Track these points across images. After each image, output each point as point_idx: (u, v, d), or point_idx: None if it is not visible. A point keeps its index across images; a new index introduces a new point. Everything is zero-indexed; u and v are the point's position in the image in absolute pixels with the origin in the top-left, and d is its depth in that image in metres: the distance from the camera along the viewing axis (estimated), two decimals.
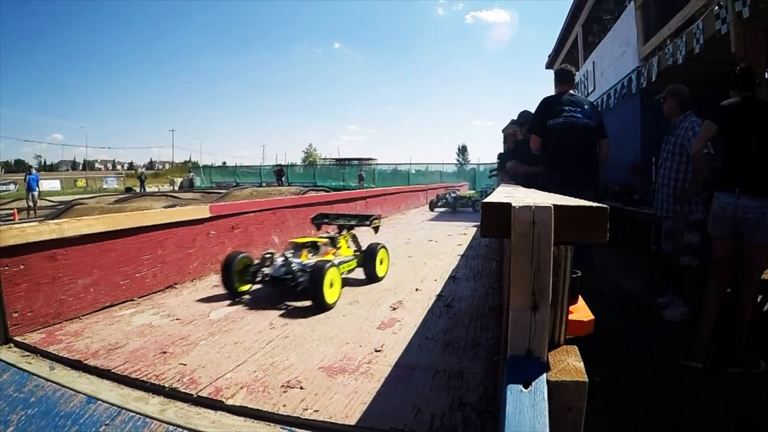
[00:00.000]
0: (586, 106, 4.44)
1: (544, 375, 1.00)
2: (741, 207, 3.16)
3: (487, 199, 1.22)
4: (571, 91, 4.64)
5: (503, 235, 1.06)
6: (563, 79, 4.65)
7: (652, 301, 4.85)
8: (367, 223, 3.54)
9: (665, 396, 3.02)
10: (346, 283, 3.01)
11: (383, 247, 3.27)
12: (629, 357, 3.58)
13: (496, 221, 1.07)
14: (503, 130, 8.07)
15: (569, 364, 1.07)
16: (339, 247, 3.21)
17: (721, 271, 3.33)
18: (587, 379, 1.03)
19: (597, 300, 1.44)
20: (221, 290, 2.95)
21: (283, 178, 31.96)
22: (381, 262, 3.22)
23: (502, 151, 10.10)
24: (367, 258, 3.15)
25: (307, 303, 2.61)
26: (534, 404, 0.93)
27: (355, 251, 3.33)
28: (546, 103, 4.50)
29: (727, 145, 3.39)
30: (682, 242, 4.29)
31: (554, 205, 1.03)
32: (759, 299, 4.10)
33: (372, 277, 3.16)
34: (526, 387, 0.97)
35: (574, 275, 1.15)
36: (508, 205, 1.05)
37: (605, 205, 1.08)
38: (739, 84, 3.45)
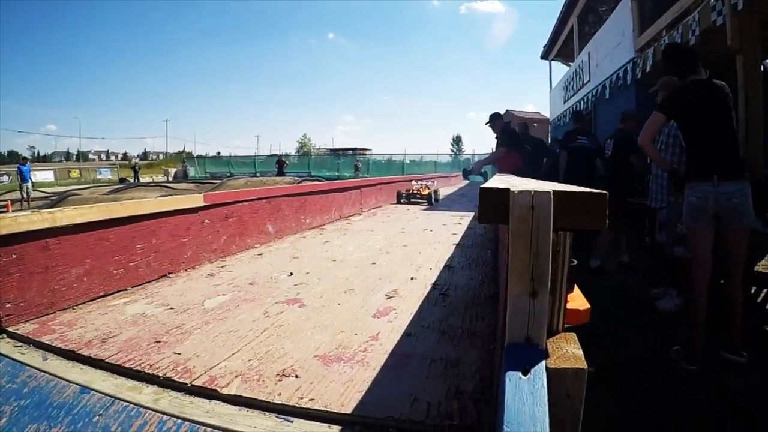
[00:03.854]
0: (588, 137, 6.98)
1: (543, 362, 0.99)
2: (724, 194, 3.08)
3: (485, 185, 1.21)
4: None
5: (501, 221, 1.05)
6: (578, 119, 7.49)
7: (647, 292, 4.87)
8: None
9: (661, 388, 3.02)
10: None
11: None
12: (624, 348, 3.59)
13: (494, 207, 1.06)
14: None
15: (568, 351, 1.06)
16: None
17: (705, 265, 3.25)
18: (587, 367, 1.02)
19: (591, 290, 1.43)
20: (215, 279, 2.94)
21: (284, 169, 31.86)
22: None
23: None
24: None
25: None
26: (533, 391, 0.92)
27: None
28: (569, 132, 7.07)
29: (690, 135, 3.30)
30: (676, 233, 4.29)
31: (553, 191, 1.02)
32: (753, 291, 4.12)
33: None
34: (524, 374, 0.96)
35: (572, 263, 1.14)
36: (507, 190, 1.03)
37: (604, 192, 1.07)
38: (684, 68, 3.37)
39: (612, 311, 4.36)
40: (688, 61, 3.36)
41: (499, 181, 1.79)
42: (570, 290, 1.24)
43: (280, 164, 32.85)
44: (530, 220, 1.01)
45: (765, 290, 4.23)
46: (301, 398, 1.44)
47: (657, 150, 3.83)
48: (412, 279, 2.96)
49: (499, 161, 7.51)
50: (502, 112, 7.85)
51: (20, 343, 1.95)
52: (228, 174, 36.16)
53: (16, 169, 20.12)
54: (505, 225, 1.07)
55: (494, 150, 7.85)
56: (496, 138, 7.70)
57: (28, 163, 19.95)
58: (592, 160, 6.69)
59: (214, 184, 25.04)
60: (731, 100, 3.24)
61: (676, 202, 4.24)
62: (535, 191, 1.01)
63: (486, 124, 7.67)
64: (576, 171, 6.39)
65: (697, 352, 3.24)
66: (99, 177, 43.06)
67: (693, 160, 3.28)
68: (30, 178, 18.94)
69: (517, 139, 7.73)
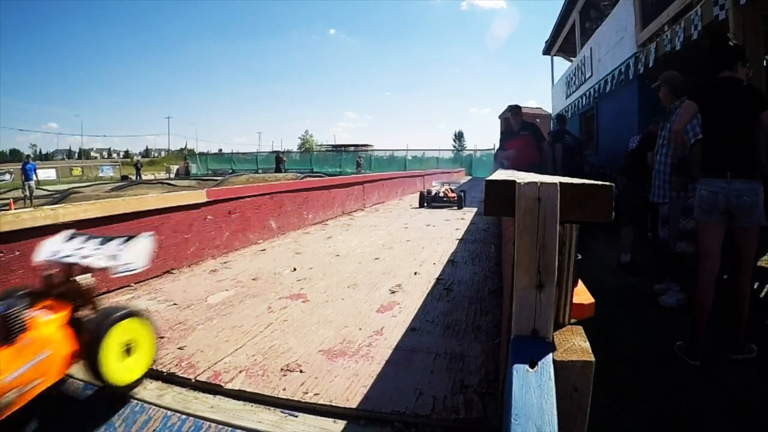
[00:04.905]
0: (571, 137, 8.41)
1: (550, 355, 0.98)
2: (734, 190, 3.09)
3: (491, 177, 1.20)
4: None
5: (507, 213, 1.04)
6: (562, 122, 9.08)
7: (649, 287, 4.85)
8: None
9: (661, 383, 3.01)
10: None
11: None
12: (626, 343, 3.57)
13: (500, 199, 1.05)
14: (500, 116, 8.46)
15: (575, 344, 1.05)
16: None
17: (713, 260, 3.24)
18: (594, 359, 1.01)
19: (594, 286, 1.43)
20: (219, 275, 2.94)
21: (281, 166, 31.80)
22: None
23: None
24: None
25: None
26: (540, 384, 0.91)
27: None
28: (558, 131, 8.42)
29: (709, 129, 3.30)
30: (677, 228, 4.28)
31: (560, 183, 1.01)
32: (755, 286, 4.10)
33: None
34: (532, 367, 0.95)
35: (577, 257, 1.13)
36: (513, 182, 1.03)
37: (610, 184, 1.06)
38: (725, 61, 3.34)
39: (614, 306, 4.34)
40: (725, 54, 3.33)
41: (503, 174, 1.78)
42: (574, 284, 1.23)
43: (278, 160, 32.76)
44: (537, 211, 1.00)
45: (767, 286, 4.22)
46: (306, 393, 1.44)
47: (683, 141, 3.82)
48: (415, 274, 2.96)
49: (521, 153, 7.44)
50: (504, 108, 7.96)
51: None
52: (230, 171, 36.13)
53: (21, 166, 20.08)
54: (511, 217, 1.06)
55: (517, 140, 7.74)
56: (517, 130, 7.62)
57: (31, 160, 19.97)
58: (575, 156, 8.26)
59: (216, 180, 25.04)
60: (759, 101, 3.22)
61: (678, 197, 4.23)
62: (541, 183, 1.01)
63: (509, 112, 7.75)
64: (565, 164, 7.64)
65: (700, 348, 3.24)
66: (101, 175, 42.98)
67: (707, 156, 3.29)
68: (33, 177, 18.95)
69: (541, 136, 7.79)
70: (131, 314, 1.54)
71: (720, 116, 3.22)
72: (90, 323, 1.48)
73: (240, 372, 1.59)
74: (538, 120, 17.05)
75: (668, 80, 4.32)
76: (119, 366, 1.47)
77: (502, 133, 8.20)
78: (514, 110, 7.71)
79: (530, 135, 7.57)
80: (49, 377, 1.36)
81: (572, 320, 1.18)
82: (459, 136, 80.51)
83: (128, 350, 1.52)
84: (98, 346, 1.42)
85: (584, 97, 12.68)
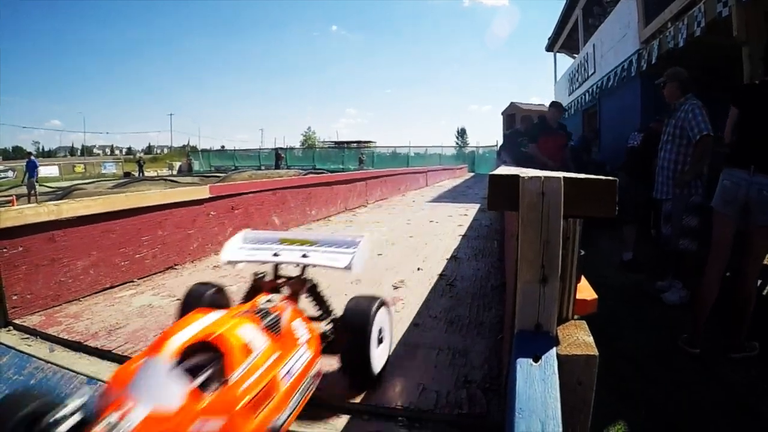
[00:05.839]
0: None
1: (554, 349, 0.98)
2: (756, 184, 3.08)
3: (495, 172, 1.20)
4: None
5: (511, 207, 1.04)
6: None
7: (651, 284, 4.84)
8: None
9: (662, 380, 3.01)
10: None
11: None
12: (627, 340, 3.56)
13: (504, 193, 1.05)
14: (503, 113, 8.33)
15: (579, 338, 1.05)
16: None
17: (723, 253, 3.23)
18: (597, 353, 1.01)
19: (597, 283, 1.42)
20: (221, 271, 2.94)
21: (280, 162, 31.84)
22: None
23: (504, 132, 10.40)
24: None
25: None
26: (544, 378, 0.91)
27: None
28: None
29: (743, 124, 3.32)
30: (680, 225, 4.27)
31: (564, 177, 1.01)
32: (758, 283, 4.10)
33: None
34: (535, 361, 0.95)
35: (580, 253, 1.13)
36: (517, 176, 1.02)
37: (614, 179, 1.05)
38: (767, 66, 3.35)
39: (617, 304, 4.34)
40: None
41: (507, 170, 1.78)
42: (578, 280, 1.23)
43: (277, 157, 32.75)
44: (540, 206, 1.00)
45: None
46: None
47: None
48: (418, 270, 2.96)
49: (550, 154, 7.32)
50: (506, 105, 7.82)
51: (27, 335, 1.96)
52: (232, 167, 36.11)
53: (26, 163, 20.02)
54: (514, 212, 1.06)
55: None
56: (555, 128, 7.41)
57: (33, 157, 19.95)
58: (583, 154, 8.68)
59: (219, 177, 25.09)
60: None
61: (681, 194, 4.22)
62: (545, 177, 1.00)
63: (551, 107, 7.60)
64: None
65: (700, 340, 3.25)
66: (103, 171, 42.99)
67: (736, 149, 3.30)
68: (35, 173, 18.90)
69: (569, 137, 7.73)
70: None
71: (756, 115, 3.23)
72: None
73: None
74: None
75: (676, 76, 4.30)
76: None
77: (533, 126, 7.90)
78: (557, 106, 7.58)
79: (565, 134, 7.48)
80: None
81: (576, 316, 1.18)
82: (462, 133, 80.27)
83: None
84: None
85: (587, 94, 12.66)
